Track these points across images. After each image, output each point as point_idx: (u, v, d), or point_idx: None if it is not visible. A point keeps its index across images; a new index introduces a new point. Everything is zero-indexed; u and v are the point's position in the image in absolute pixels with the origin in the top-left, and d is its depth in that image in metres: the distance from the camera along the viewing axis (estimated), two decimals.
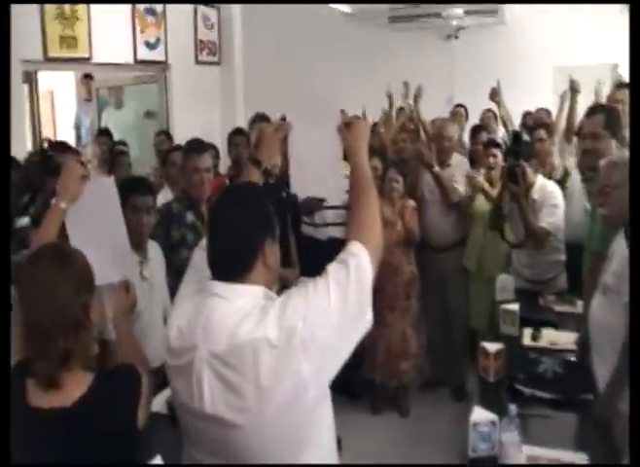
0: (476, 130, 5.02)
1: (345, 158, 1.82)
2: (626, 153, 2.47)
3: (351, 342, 1.42)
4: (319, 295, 1.38)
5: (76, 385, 1.54)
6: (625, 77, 5.01)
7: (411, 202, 4.08)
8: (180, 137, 4.84)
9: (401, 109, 5.46)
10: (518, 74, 5.86)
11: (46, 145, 6.01)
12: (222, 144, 4.87)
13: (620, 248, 2.23)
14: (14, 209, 3.00)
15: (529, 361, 2.67)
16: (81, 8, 5.25)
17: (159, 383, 1.87)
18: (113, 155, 4.89)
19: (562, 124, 4.63)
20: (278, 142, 1.90)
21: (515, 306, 3.07)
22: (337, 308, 1.38)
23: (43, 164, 3.89)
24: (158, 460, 1.74)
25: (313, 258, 2.19)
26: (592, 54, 5.83)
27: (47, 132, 7.62)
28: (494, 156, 4.12)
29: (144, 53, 6.06)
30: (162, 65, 6.36)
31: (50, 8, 4.99)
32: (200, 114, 6.65)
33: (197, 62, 6.82)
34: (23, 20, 4.54)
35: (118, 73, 6.48)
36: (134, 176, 4.13)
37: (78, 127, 7.24)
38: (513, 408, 1.99)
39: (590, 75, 4.82)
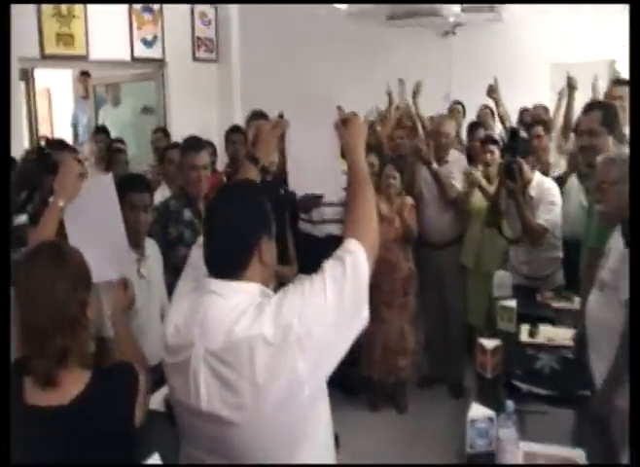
0: (473, 127, 5.02)
1: (343, 155, 1.81)
2: (624, 149, 2.48)
3: (347, 340, 1.42)
4: (315, 292, 1.38)
5: (73, 383, 1.55)
6: (623, 73, 5.02)
7: (410, 199, 4.08)
8: (177, 135, 4.82)
9: (397, 107, 5.46)
10: (516, 71, 5.85)
11: (43, 143, 6.02)
12: (219, 141, 4.86)
13: (616, 244, 2.24)
14: (11, 207, 3.00)
15: (526, 357, 2.67)
16: (78, 6, 5.25)
17: (156, 381, 1.88)
18: (110, 152, 4.88)
19: (560, 120, 4.64)
20: (275, 139, 1.90)
21: (512, 303, 3.07)
22: (333, 306, 1.38)
23: (40, 162, 3.88)
24: (155, 458, 1.73)
25: (311, 255, 2.18)
26: (590, 51, 5.82)
27: (44, 130, 7.65)
28: (491, 152, 4.12)
29: (141, 51, 6.06)
30: (160, 63, 6.35)
31: (47, 6, 4.99)
32: (198, 111, 6.63)
33: (195, 60, 6.81)
34: (20, 18, 4.53)
35: (115, 70, 6.46)
36: (132, 174, 4.12)
37: (75, 125, 7.23)
38: (510, 404, 1.99)
39: (588, 71, 4.82)
